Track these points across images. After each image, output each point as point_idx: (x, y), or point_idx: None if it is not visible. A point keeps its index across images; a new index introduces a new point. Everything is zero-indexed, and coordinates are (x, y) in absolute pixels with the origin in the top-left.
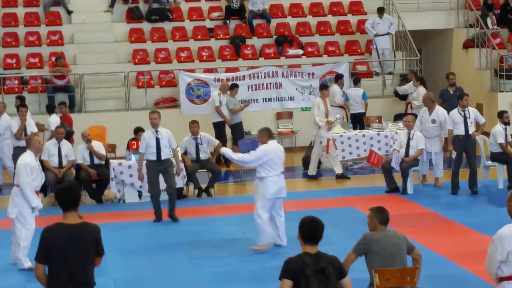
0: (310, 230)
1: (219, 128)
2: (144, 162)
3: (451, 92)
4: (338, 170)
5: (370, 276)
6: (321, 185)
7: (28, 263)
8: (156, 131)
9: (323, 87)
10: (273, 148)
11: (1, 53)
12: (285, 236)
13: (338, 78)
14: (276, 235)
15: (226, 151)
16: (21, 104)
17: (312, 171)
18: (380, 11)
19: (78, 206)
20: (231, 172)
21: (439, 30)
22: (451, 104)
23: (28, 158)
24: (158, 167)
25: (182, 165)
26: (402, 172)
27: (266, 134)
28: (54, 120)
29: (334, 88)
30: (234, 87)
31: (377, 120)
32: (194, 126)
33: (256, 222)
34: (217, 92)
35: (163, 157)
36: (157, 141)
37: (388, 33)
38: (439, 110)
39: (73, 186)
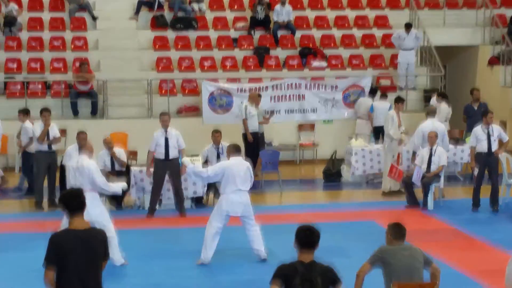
0: (305, 237)
1: (247, 140)
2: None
3: (475, 108)
4: (386, 186)
5: None
6: (342, 198)
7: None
8: (166, 131)
9: (399, 100)
10: (232, 165)
11: (25, 57)
12: (263, 248)
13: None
14: (254, 249)
15: (187, 162)
16: (45, 108)
17: (387, 186)
18: (408, 27)
19: (83, 210)
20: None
21: (465, 47)
22: (474, 120)
23: (92, 162)
24: (165, 165)
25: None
26: (423, 187)
27: (232, 150)
28: (29, 126)
29: (363, 100)
30: (258, 96)
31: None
32: (217, 135)
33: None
34: (244, 104)
35: (171, 156)
36: (166, 140)
37: (413, 48)
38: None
39: (78, 190)
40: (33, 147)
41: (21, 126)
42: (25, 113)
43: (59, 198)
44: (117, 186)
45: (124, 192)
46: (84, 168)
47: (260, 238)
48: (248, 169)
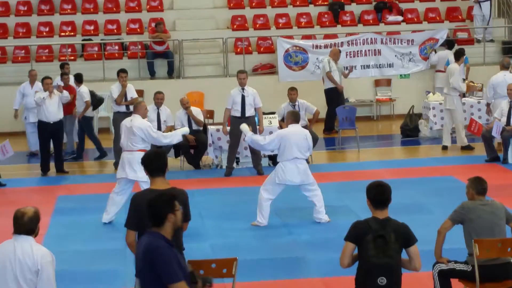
0: (378, 194)
1: (330, 95)
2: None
3: None
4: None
5: (468, 246)
6: (420, 154)
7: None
8: (243, 89)
9: (461, 53)
10: (288, 134)
11: (102, 19)
12: (323, 216)
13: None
14: (315, 217)
15: (245, 128)
16: (121, 69)
17: (464, 140)
18: None
19: (165, 172)
20: (329, 140)
21: None
22: None
23: (144, 121)
24: (241, 123)
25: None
26: (503, 141)
27: (290, 118)
28: (84, 90)
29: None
30: (339, 52)
31: (478, 89)
32: (293, 93)
33: (258, 197)
34: (327, 59)
35: (247, 114)
36: (243, 98)
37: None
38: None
39: (160, 152)
40: (90, 112)
41: (77, 91)
42: (78, 79)
43: (142, 159)
44: (176, 134)
45: (202, 152)
46: (137, 127)
47: (321, 205)
48: (306, 137)
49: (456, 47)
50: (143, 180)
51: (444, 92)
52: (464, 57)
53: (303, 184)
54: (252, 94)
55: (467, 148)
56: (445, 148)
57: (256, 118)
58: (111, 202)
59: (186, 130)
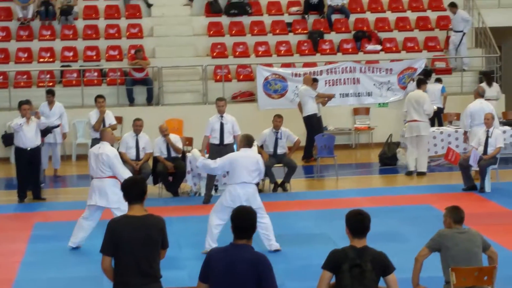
0: (357, 222)
1: (310, 122)
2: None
3: None
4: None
5: (445, 274)
6: (398, 182)
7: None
8: (221, 117)
9: (423, 81)
10: (239, 157)
11: (81, 45)
12: (273, 240)
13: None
14: (265, 244)
15: (196, 154)
16: (99, 95)
17: (425, 167)
18: (452, 6)
19: (143, 199)
20: (307, 168)
21: None
22: None
23: (112, 148)
24: (220, 150)
25: None
26: (480, 170)
27: (243, 142)
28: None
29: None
30: (314, 81)
31: (455, 117)
32: (279, 120)
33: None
34: (304, 87)
35: (225, 141)
36: (221, 126)
37: (461, 31)
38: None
39: (140, 179)
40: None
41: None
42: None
43: (121, 185)
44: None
45: (180, 179)
46: (105, 154)
47: (270, 230)
48: (257, 161)
49: (434, 76)
50: (113, 207)
51: (414, 119)
52: (425, 85)
53: None
54: (231, 122)
55: (422, 174)
56: (409, 173)
57: (234, 146)
58: (79, 227)
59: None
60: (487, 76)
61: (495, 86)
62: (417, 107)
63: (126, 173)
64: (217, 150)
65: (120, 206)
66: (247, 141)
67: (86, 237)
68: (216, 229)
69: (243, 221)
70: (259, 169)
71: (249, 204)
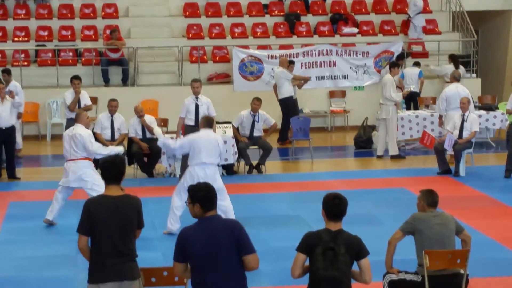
0: (333, 206)
1: (286, 104)
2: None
3: None
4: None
5: (418, 257)
6: (372, 165)
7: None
8: (197, 98)
9: (394, 64)
10: (198, 138)
11: (56, 25)
12: None
13: (400, 58)
14: None
15: (158, 132)
16: (74, 76)
17: (395, 150)
18: None
19: (121, 180)
20: (283, 150)
21: (498, 11)
22: None
23: (86, 130)
24: (195, 132)
25: (233, 142)
26: (455, 154)
27: (203, 123)
28: None
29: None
30: (290, 63)
31: (431, 101)
32: (257, 103)
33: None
34: (280, 69)
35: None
36: (197, 107)
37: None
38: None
39: (118, 160)
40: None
41: None
42: None
43: (100, 165)
44: (111, 151)
45: (155, 160)
46: (79, 134)
47: (230, 213)
48: (217, 143)
49: (412, 60)
50: (88, 187)
51: (380, 103)
52: (398, 68)
53: None
54: (206, 103)
55: (397, 157)
56: (379, 157)
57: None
58: (54, 204)
59: (120, 149)
60: (454, 59)
61: (461, 69)
62: (382, 90)
63: (99, 149)
64: (192, 131)
65: (93, 187)
66: (207, 122)
67: (60, 209)
68: (178, 210)
69: (210, 193)
70: (219, 150)
71: None
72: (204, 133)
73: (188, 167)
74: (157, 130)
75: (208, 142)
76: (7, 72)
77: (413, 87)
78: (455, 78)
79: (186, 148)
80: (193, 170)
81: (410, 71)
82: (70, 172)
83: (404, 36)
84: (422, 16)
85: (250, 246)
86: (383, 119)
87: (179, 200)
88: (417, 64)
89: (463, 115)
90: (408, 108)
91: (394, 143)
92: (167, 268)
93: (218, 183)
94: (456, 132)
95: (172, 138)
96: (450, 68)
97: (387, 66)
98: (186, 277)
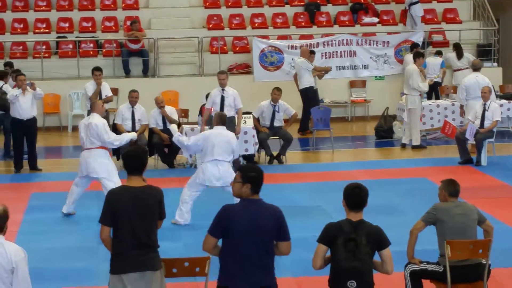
0: (354, 196)
1: (307, 94)
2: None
3: None
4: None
5: (440, 247)
6: (394, 155)
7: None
8: (223, 90)
9: (420, 55)
10: (211, 135)
11: (77, 16)
12: None
13: (414, 47)
14: None
15: (173, 129)
16: (96, 67)
17: (418, 140)
18: None
19: (143, 171)
20: (303, 140)
21: None
22: None
23: (101, 119)
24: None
25: (254, 132)
26: (476, 144)
27: (216, 120)
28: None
29: (408, 57)
30: (311, 53)
31: (452, 91)
32: (278, 93)
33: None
34: (300, 59)
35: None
36: (222, 99)
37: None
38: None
39: (141, 151)
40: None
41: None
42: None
43: (122, 156)
44: (123, 138)
45: (176, 151)
46: (92, 124)
47: None
48: (229, 140)
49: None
50: (103, 177)
51: (404, 93)
52: (423, 58)
53: (225, 186)
54: (233, 95)
55: (419, 147)
56: (403, 146)
57: (235, 119)
58: (71, 193)
59: (132, 135)
60: (457, 48)
61: (465, 57)
62: (407, 80)
63: (113, 139)
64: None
65: (107, 176)
66: (220, 120)
67: (76, 201)
68: (187, 203)
69: (259, 175)
70: (231, 148)
71: (223, 181)
72: (217, 130)
73: (201, 163)
74: (172, 127)
75: (221, 139)
76: (9, 66)
77: (436, 77)
78: (475, 68)
79: (199, 145)
80: (205, 166)
81: (433, 61)
82: (85, 161)
83: (425, 26)
84: (420, 5)
85: (288, 234)
86: (408, 109)
87: (190, 192)
88: (439, 53)
89: (485, 105)
90: (429, 98)
91: (418, 133)
92: (188, 259)
93: (232, 178)
94: (478, 122)
95: (193, 129)
96: (452, 56)
97: (407, 56)
98: (214, 253)
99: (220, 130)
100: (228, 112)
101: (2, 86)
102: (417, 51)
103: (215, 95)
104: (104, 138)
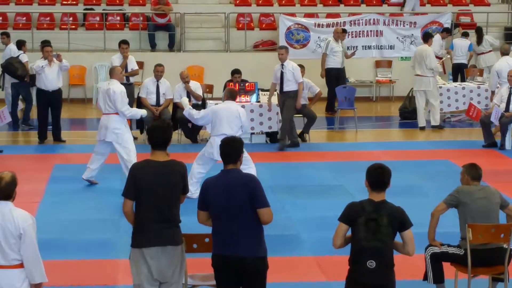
0: (377, 176)
1: (329, 75)
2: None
3: None
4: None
5: (461, 230)
6: (417, 137)
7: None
8: (282, 65)
9: (430, 35)
10: (220, 109)
11: None
12: None
13: (445, 31)
14: None
15: (184, 102)
16: (123, 40)
17: (437, 120)
18: None
19: (167, 145)
20: (327, 119)
21: None
22: None
23: (120, 86)
24: (281, 97)
25: (277, 109)
26: (501, 127)
27: (226, 95)
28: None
29: (436, 37)
30: (343, 31)
31: (478, 73)
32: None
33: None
34: (327, 40)
35: (285, 89)
36: (282, 74)
37: None
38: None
39: (166, 126)
40: None
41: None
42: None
43: (147, 129)
44: (137, 111)
45: (200, 126)
46: (110, 90)
47: None
48: (238, 114)
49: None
50: (117, 141)
51: (418, 74)
52: (433, 38)
53: None
54: (291, 70)
55: (438, 128)
56: (422, 129)
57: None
58: (91, 160)
59: (143, 112)
60: (478, 32)
61: (485, 40)
62: (420, 61)
63: (125, 108)
64: (278, 97)
65: (121, 142)
66: (230, 94)
67: (98, 170)
68: (195, 177)
69: (228, 147)
70: (240, 122)
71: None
72: (226, 105)
73: (210, 137)
74: (183, 100)
75: (229, 114)
76: (6, 35)
77: (446, 57)
78: (503, 52)
79: (208, 118)
80: (213, 140)
81: (460, 43)
82: (103, 126)
83: (453, 7)
84: None
85: (263, 200)
86: (422, 91)
87: (199, 167)
88: (465, 34)
89: (510, 88)
90: (455, 80)
91: (437, 114)
92: (209, 235)
93: None
94: (503, 105)
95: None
96: (473, 41)
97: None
98: (209, 225)
99: (229, 105)
100: (287, 86)
101: (19, 56)
102: (427, 32)
103: (276, 70)
104: (118, 105)
